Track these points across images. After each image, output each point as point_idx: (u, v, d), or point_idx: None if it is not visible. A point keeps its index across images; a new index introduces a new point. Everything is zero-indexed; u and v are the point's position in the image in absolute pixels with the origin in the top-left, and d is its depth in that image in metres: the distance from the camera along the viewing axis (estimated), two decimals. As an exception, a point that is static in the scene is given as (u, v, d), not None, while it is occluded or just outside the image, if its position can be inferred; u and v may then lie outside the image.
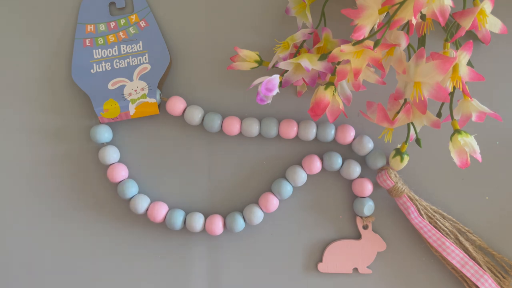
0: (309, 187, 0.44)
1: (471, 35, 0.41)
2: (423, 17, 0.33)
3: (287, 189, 0.42)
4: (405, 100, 0.36)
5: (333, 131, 0.42)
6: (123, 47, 0.43)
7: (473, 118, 0.35)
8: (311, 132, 0.42)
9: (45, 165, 0.45)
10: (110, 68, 0.43)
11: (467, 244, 0.42)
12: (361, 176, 0.43)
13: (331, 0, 0.41)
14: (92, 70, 0.43)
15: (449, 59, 0.32)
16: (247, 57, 0.38)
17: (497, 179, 0.43)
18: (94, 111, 0.44)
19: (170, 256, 0.44)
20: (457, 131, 0.34)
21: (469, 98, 0.35)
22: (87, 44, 0.43)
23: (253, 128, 0.42)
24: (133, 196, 0.43)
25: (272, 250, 0.44)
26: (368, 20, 0.33)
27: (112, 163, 0.44)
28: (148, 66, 0.43)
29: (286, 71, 0.37)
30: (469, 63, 0.38)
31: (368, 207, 0.42)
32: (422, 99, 0.34)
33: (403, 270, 0.44)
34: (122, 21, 0.43)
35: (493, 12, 0.35)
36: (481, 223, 0.43)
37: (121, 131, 0.45)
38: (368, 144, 0.42)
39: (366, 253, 0.43)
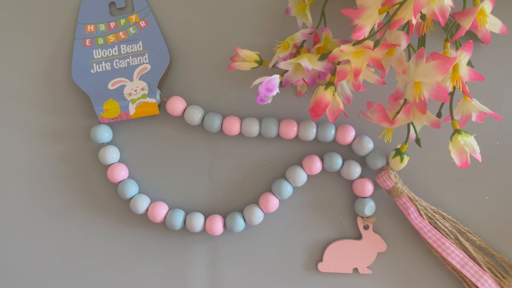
0: (309, 187, 0.44)
1: (471, 35, 0.41)
2: (423, 17, 0.33)
3: (287, 189, 0.42)
4: (405, 100, 0.36)
5: (333, 131, 0.42)
6: (123, 47, 0.43)
7: (473, 118, 0.35)
8: (311, 132, 0.42)
9: (45, 165, 0.45)
10: (110, 68, 0.43)
11: (467, 244, 0.42)
12: (361, 176, 0.43)
13: (331, 0, 0.41)
14: (92, 70, 0.43)
15: (449, 59, 0.32)
16: (247, 57, 0.38)
17: (497, 179, 0.43)
18: (94, 111, 0.44)
19: (170, 256, 0.44)
20: (457, 131, 0.34)
21: (469, 98, 0.35)
22: (87, 44, 0.43)
23: (253, 128, 0.42)
24: (133, 196, 0.43)
25: (272, 250, 0.44)
26: (368, 20, 0.33)
27: (112, 163, 0.44)
28: (148, 66, 0.43)
29: (286, 71, 0.37)
30: (469, 63, 0.38)
31: (369, 208, 0.42)
32: (422, 99, 0.34)
33: (403, 271, 0.44)
34: (122, 21, 0.43)
35: (493, 12, 0.35)
36: (481, 223, 0.43)
37: (121, 131, 0.45)
38: (368, 145, 0.42)
39: (366, 254, 0.43)
